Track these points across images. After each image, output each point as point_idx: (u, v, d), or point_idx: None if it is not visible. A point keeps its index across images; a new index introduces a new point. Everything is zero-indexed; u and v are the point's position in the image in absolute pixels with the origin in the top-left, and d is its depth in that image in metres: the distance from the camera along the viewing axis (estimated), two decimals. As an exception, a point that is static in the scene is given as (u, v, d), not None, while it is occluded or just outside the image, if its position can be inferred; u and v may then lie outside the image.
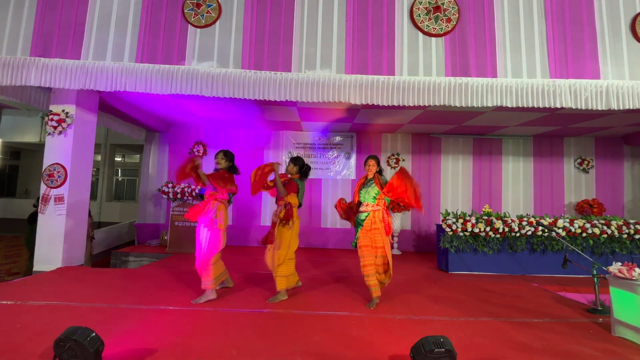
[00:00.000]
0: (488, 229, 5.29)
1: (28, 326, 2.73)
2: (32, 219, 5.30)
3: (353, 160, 7.85)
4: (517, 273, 5.40)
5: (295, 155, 7.73)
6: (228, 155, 3.85)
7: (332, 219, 7.70)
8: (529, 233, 5.34)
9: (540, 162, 7.77)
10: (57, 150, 4.86)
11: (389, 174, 7.77)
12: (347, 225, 7.68)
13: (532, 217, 5.60)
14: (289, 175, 3.89)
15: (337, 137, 7.89)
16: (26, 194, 12.54)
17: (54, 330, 2.52)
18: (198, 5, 4.37)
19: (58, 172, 4.81)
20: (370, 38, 4.39)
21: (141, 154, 9.38)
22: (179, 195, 6.43)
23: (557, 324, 3.21)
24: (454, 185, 7.77)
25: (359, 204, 3.76)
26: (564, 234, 5.32)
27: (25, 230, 5.71)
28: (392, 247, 7.31)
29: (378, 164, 3.77)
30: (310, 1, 4.44)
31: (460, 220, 5.34)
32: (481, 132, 7.58)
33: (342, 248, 7.48)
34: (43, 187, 4.81)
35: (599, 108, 4.20)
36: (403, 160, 7.77)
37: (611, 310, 3.00)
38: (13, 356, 2.26)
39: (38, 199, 4.92)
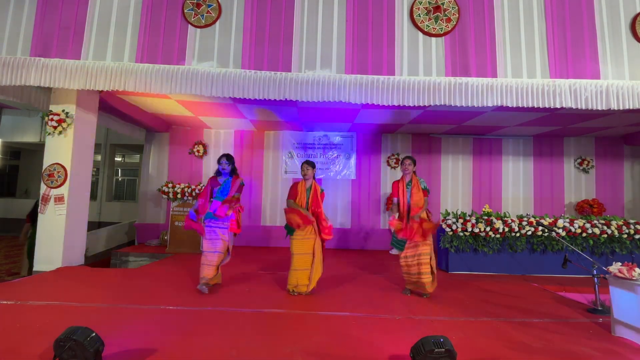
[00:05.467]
0: (488, 229, 5.29)
1: (28, 326, 2.73)
2: (34, 217, 5.21)
3: (353, 160, 7.85)
4: (517, 273, 5.40)
5: (296, 155, 7.77)
6: (231, 159, 4.05)
7: (331, 219, 7.63)
8: (529, 233, 5.34)
9: (540, 162, 7.76)
10: (57, 150, 4.86)
11: (388, 174, 7.78)
12: (346, 225, 7.68)
13: (532, 217, 5.60)
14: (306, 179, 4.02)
15: (337, 137, 7.89)
16: (26, 194, 12.53)
17: (54, 330, 2.51)
18: (198, 5, 4.37)
19: (58, 172, 4.81)
20: (370, 38, 4.38)
21: (141, 154, 9.38)
22: (179, 195, 6.43)
23: (557, 324, 3.21)
24: (454, 185, 7.77)
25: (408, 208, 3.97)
26: (564, 234, 5.32)
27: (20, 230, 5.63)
28: (392, 247, 7.32)
29: (414, 164, 4.05)
30: (310, 1, 4.44)
31: (460, 220, 5.34)
32: (481, 132, 7.58)
33: (341, 248, 7.48)
34: (43, 187, 4.81)
35: (599, 108, 4.20)
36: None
37: (611, 310, 3.00)
38: (13, 356, 2.26)
39: (37, 201, 4.91)
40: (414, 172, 4.09)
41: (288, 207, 3.92)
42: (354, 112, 6.21)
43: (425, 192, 4.00)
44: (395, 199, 4.09)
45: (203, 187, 4.07)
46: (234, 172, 4.06)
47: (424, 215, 3.97)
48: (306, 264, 3.81)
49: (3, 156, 12.32)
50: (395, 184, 4.13)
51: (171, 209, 6.50)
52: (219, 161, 4.00)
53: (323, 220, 3.92)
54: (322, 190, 4.05)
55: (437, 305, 3.64)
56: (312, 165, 4.03)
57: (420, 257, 3.88)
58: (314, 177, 4.06)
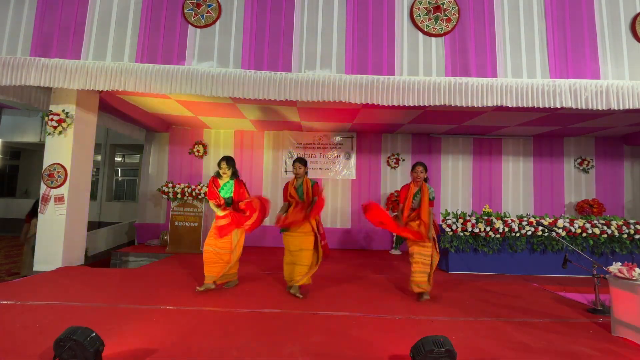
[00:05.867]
0: (488, 229, 5.29)
1: (28, 326, 2.73)
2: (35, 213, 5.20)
3: (353, 160, 7.85)
4: (517, 273, 5.40)
5: (296, 155, 7.77)
6: (231, 162, 4.01)
7: (331, 219, 7.70)
8: (529, 233, 5.34)
9: (540, 162, 7.76)
10: (57, 150, 4.86)
11: (388, 174, 7.78)
12: (347, 225, 7.68)
13: (532, 217, 5.60)
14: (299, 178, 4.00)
15: (337, 137, 7.89)
16: (26, 194, 12.53)
17: (54, 330, 2.52)
18: (198, 5, 4.37)
19: (58, 172, 4.81)
20: (370, 38, 4.38)
21: (141, 154, 9.38)
22: (179, 195, 6.42)
23: (557, 324, 3.21)
24: (454, 185, 7.77)
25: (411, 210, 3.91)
26: (564, 234, 5.32)
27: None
28: (392, 247, 7.33)
29: (426, 170, 3.92)
30: (310, 1, 4.44)
31: (460, 220, 5.34)
32: (481, 132, 7.58)
33: (341, 248, 7.48)
34: (43, 187, 4.81)
35: (599, 108, 4.20)
36: (403, 160, 7.77)
37: (611, 310, 3.00)
38: (13, 356, 2.26)
39: (37, 201, 4.91)
40: (425, 180, 3.94)
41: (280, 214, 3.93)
42: (354, 111, 6.21)
43: (432, 202, 3.89)
44: (401, 205, 3.99)
45: (207, 190, 4.05)
46: (235, 175, 4.04)
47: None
48: (295, 258, 3.83)
49: (3, 156, 12.32)
50: (404, 189, 3.99)
51: (171, 209, 6.50)
52: (219, 164, 3.99)
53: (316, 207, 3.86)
54: (313, 183, 3.95)
55: (437, 305, 3.64)
56: (304, 163, 3.98)
57: (423, 257, 3.86)
58: (306, 174, 4.00)
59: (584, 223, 5.39)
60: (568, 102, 4.20)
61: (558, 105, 4.21)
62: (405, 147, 7.85)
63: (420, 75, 4.33)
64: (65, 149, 4.86)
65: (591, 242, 5.41)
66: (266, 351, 2.44)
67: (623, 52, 4.33)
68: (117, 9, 4.42)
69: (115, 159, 11.84)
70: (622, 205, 7.61)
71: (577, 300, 3.96)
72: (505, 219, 5.39)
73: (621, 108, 4.20)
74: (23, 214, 5.70)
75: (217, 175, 4.02)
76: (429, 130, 7.54)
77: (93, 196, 10.20)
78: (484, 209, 5.70)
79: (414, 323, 3.09)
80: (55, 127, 4.81)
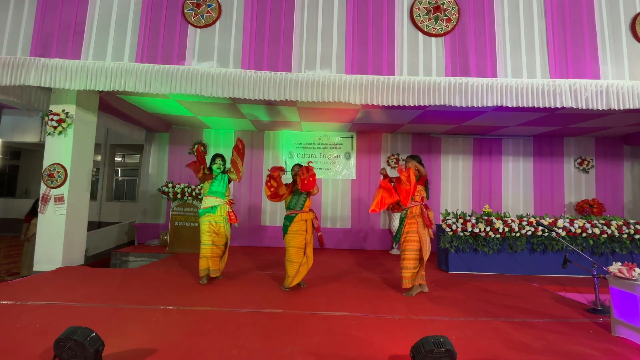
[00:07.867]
0: (488, 229, 5.29)
1: (28, 326, 2.73)
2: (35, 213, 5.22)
3: (353, 160, 7.85)
4: (517, 273, 5.40)
5: (296, 155, 7.77)
6: (225, 159, 4.45)
7: (331, 219, 7.70)
8: (529, 233, 5.34)
9: (540, 162, 7.76)
10: (57, 150, 4.86)
11: (388, 173, 7.75)
12: (346, 225, 7.68)
13: (532, 217, 5.60)
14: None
15: (337, 137, 7.89)
16: (26, 194, 12.53)
17: (54, 330, 2.52)
18: (198, 5, 4.37)
19: (58, 172, 4.81)
20: (370, 38, 4.39)
21: (141, 154, 9.38)
22: (179, 195, 6.42)
23: (557, 324, 3.21)
24: (454, 185, 7.77)
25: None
26: (564, 234, 5.32)
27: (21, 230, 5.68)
28: (392, 247, 7.32)
29: (412, 160, 4.29)
30: (310, 1, 4.44)
31: (460, 220, 5.34)
32: (481, 132, 7.58)
33: (341, 248, 7.48)
34: (43, 187, 4.81)
35: (599, 108, 4.20)
36: (403, 160, 7.76)
37: (611, 310, 3.00)
38: (13, 356, 2.26)
39: (36, 201, 4.92)
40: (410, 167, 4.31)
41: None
42: (354, 112, 6.21)
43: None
44: None
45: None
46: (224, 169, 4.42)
47: None
48: (299, 257, 4.00)
49: (3, 156, 12.31)
50: None
51: (171, 209, 6.49)
52: (214, 160, 4.32)
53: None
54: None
55: (437, 305, 3.64)
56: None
57: (404, 253, 4.10)
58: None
59: (584, 223, 5.39)
60: (568, 102, 4.20)
61: (558, 105, 4.22)
62: (405, 147, 7.85)
63: (420, 75, 4.33)
64: (65, 149, 4.86)
65: (591, 242, 5.41)
66: (266, 351, 2.44)
67: (623, 52, 4.33)
68: (117, 9, 4.42)
69: (115, 159, 11.83)
70: (622, 205, 7.61)
71: (577, 300, 3.96)
72: (505, 219, 5.39)
73: (621, 108, 4.20)
74: (23, 214, 5.71)
75: (209, 170, 4.39)
76: (429, 130, 7.54)
77: (93, 196, 10.19)
78: (484, 209, 5.70)
79: (414, 323, 3.09)
80: (55, 127, 4.81)
